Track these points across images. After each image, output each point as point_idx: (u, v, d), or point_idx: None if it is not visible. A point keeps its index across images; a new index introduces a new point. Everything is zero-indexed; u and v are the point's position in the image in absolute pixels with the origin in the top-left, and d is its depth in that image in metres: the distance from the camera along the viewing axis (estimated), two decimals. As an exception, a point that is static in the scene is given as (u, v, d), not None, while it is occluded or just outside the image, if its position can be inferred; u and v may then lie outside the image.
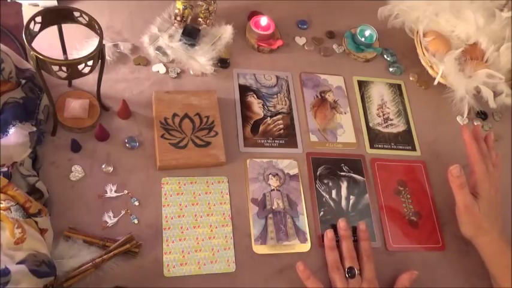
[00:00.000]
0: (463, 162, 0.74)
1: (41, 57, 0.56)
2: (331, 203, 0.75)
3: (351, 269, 0.67)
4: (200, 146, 0.71)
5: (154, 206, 0.68)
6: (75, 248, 0.61)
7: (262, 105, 0.80)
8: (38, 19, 0.60)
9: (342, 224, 0.71)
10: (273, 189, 0.73)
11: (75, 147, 0.68)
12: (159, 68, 0.79)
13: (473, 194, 0.71)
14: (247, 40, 0.86)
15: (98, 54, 0.61)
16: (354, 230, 0.73)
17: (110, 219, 0.65)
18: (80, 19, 0.62)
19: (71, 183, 0.66)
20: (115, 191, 0.67)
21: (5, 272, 0.49)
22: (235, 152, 0.75)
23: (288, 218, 0.72)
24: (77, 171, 0.67)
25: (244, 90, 0.81)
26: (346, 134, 0.82)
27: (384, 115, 0.86)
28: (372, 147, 0.82)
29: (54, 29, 0.64)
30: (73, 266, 0.59)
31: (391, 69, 0.92)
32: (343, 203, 0.75)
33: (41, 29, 0.61)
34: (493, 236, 0.70)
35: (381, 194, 0.78)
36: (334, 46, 0.91)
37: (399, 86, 0.90)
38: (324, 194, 0.75)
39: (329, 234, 0.70)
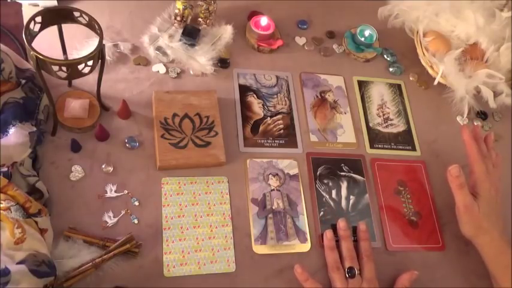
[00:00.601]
0: (463, 162, 0.74)
1: (41, 57, 0.56)
2: (331, 203, 0.75)
3: (351, 269, 0.67)
4: (200, 146, 0.71)
5: (154, 206, 0.68)
6: (75, 248, 0.61)
7: (262, 105, 0.80)
8: (38, 19, 0.60)
9: (341, 224, 0.71)
10: (273, 189, 0.73)
11: (75, 147, 0.68)
12: (159, 68, 0.79)
13: (473, 194, 0.71)
14: (247, 40, 0.86)
15: (98, 54, 0.61)
16: (354, 230, 0.73)
17: (110, 219, 0.65)
18: (80, 19, 0.62)
19: (71, 183, 0.66)
20: (115, 191, 0.67)
21: (5, 272, 0.49)
22: (235, 152, 0.75)
23: (288, 218, 0.72)
24: (77, 171, 0.67)
25: (244, 90, 0.81)
26: (346, 134, 0.82)
27: (384, 115, 0.86)
28: (372, 147, 0.82)
29: (54, 29, 0.64)
30: (73, 266, 0.59)
31: (391, 69, 0.92)
32: (343, 203, 0.75)
33: (41, 29, 0.61)
34: (493, 236, 0.70)
35: (380, 194, 0.78)
36: (334, 46, 0.91)
37: (399, 86, 0.90)
38: (324, 194, 0.75)
39: (328, 234, 0.70)
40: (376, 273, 0.67)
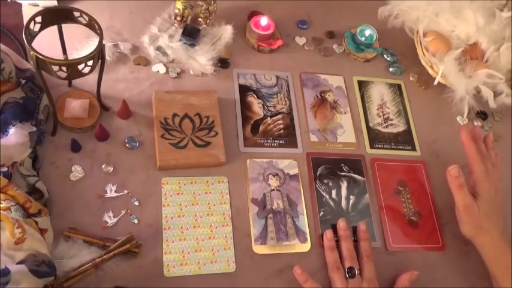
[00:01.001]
0: (463, 162, 0.74)
1: (41, 57, 0.56)
2: (331, 203, 0.75)
3: (351, 269, 0.67)
4: (200, 146, 0.71)
5: (154, 206, 0.68)
6: (75, 248, 0.61)
7: (262, 105, 0.80)
8: (38, 19, 0.60)
9: (341, 224, 0.71)
10: (273, 189, 0.73)
11: (75, 147, 0.68)
12: (159, 68, 0.79)
13: (473, 194, 0.71)
14: (247, 40, 0.86)
15: (98, 54, 0.61)
16: (354, 230, 0.73)
17: (110, 219, 0.65)
18: (80, 19, 0.62)
19: (71, 183, 0.66)
20: (115, 191, 0.67)
21: (5, 272, 0.49)
22: (235, 152, 0.75)
23: (288, 218, 0.72)
24: (77, 171, 0.67)
25: (244, 90, 0.81)
26: (346, 134, 0.82)
27: (384, 115, 0.86)
28: (372, 147, 0.82)
29: (54, 29, 0.64)
30: (73, 266, 0.59)
31: (391, 69, 0.92)
32: (343, 203, 0.75)
33: (41, 29, 0.61)
34: (493, 236, 0.70)
35: (380, 194, 0.78)
36: (334, 46, 0.91)
37: (399, 86, 0.90)
38: (324, 194, 0.75)
39: (328, 234, 0.70)
40: (376, 273, 0.67)
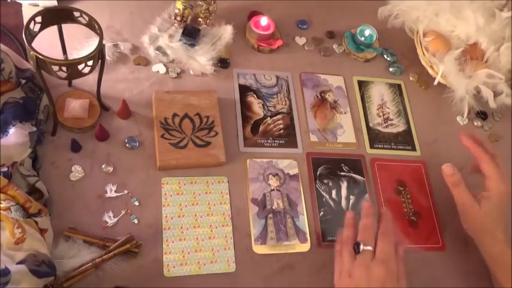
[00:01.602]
0: (463, 162, 0.74)
1: (41, 57, 0.56)
2: (331, 203, 0.75)
3: (357, 244, 0.62)
4: (200, 146, 0.71)
5: (154, 206, 0.68)
6: (75, 248, 0.61)
7: (262, 105, 0.80)
8: (38, 19, 0.60)
9: (366, 204, 0.67)
10: (273, 189, 0.73)
11: (75, 147, 0.68)
12: (159, 68, 0.79)
13: (482, 194, 0.70)
14: (247, 40, 0.86)
15: (98, 54, 0.61)
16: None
17: (110, 219, 0.65)
18: (80, 19, 0.62)
19: (71, 183, 0.66)
20: (115, 191, 0.67)
21: (5, 272, 0.49)
22: (235, 152, 0.75)
23: (288, 218, 0.72)
24: (77, 171, 0.67)
25: (244, 90, 0.81)
26: (346, 134, 0.82)
27: (384, 115, 0.86)
28: (372, 147, 0.82)
29: (54, 29, 0.64)
30: (73, 266, 0.59)
31: (391, 69, 0.92)
32: (343, 203, 0.75)
33: (41, 29, 0.61)
34: (495, 235, 0.69)
35: (380, 194, 0.78)
36: (334, 46, 0.91)
37: (399, 86, 0.90)
38: (324, 194, 0.75)
39: (348, 214, 0.67)
40: (394, 254, 0.61)
